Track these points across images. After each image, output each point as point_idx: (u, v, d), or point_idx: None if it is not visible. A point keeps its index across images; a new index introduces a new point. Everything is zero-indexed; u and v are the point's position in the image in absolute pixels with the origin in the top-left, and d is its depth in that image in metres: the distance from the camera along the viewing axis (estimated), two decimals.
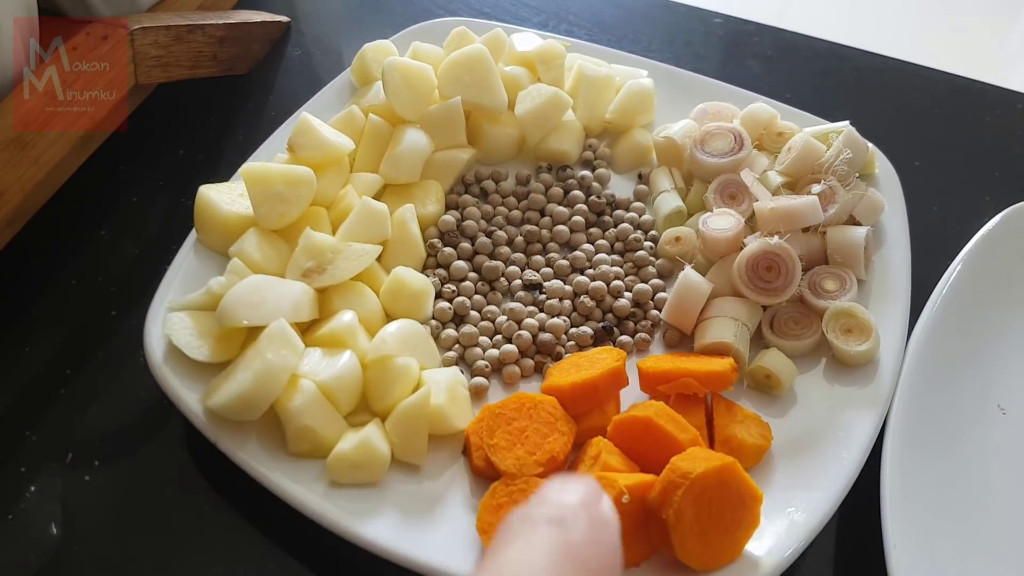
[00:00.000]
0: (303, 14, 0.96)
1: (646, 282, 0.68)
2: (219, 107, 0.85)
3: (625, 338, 0.65)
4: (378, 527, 0.54)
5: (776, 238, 0.62)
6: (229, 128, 0.84)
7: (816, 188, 0.66)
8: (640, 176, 0.75)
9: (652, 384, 0.60)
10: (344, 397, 0.58)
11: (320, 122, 0.70)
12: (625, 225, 0.71)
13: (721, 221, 0.65)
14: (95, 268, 0.73)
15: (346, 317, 0.61)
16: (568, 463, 0.57)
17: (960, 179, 0.79)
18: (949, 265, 0.66)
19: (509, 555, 0.31)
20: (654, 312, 0.66)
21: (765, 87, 0.80)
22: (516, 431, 0.56)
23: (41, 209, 0.71)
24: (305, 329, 0.62)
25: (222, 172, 0.74)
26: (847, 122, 0.70)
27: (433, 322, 0.66)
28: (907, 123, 0.83)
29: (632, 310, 0.66)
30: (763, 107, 0.73)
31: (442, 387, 0.58)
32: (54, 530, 0.58)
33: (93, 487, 0.60)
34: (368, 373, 0.59)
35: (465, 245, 0.69)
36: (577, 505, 0.33)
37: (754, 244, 0.62)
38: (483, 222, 0.72)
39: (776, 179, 0.68)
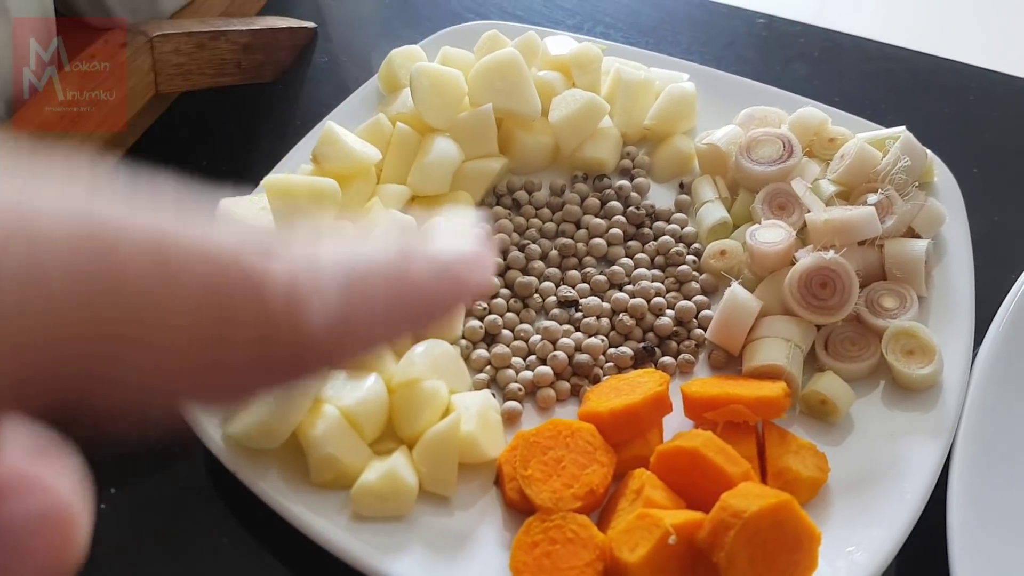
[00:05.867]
0: (330, 20, 0.93)
1: (689, 299, 0.64)
2: (244, 116, 0.82)
3: (668, 359, 0.61)
4: (405, 564, 0.50)
5: (832, 252, 0.58)
6: (254, 138, 0.81)
7: (872, 198, 0.62)
8: (681, 185, 0.71)
9: (698, 411, 0.56)
10: (369, 423, 0.55)
11: (346, 132, 0.67)
12: (666, 238, 0.67)
13: (770, 234, 0.61)
14: None
15: None
16: (608, 496, 0.53)
17: (1022, 187, 0.74)
18: (1011, 279, 0.61)
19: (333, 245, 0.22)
20: (698, 331, 0.62)
21: (811, 90, 0.75)
22: (552, 461, 0.52)
23: None
24: None
25: (246, 183, 0.72)
26: (903, 127, 0.66)
27: (463, 342, 0.62)
28: (964, 128, 0.78)
29: (675, 329, 0.62)
30: (813, 111, 0.69)
31: (473, 412, 0.55)
32: None
33: (108, 516, 0.58)
34: (394, 397, 0.56)
35: (496, 259, 0.66)
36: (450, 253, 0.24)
37: (807, 259, 0.58)
38: (515, 235, 0.68)
39: (829, 188, 0.64)
